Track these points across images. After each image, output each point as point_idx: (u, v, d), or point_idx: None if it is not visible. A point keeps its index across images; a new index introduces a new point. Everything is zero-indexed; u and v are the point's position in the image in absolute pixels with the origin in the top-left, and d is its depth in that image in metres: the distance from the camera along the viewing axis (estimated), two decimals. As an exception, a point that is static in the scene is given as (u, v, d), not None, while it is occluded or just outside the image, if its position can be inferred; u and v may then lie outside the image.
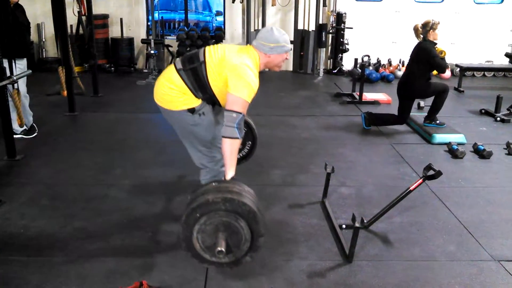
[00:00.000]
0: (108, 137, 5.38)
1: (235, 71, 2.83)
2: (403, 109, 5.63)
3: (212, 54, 2.95)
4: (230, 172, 2.81)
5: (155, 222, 3.47)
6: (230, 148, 2.77)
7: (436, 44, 5.41)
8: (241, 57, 2.89)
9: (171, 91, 2.97)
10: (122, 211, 3.63)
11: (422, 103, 6.78)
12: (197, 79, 2.92)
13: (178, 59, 3.10)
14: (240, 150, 3.74)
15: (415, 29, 5.48)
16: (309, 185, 4.18)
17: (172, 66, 3.05)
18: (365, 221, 3.18)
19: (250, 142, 3.86)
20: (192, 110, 2.96)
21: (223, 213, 2.46)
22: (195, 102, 2.96)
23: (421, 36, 5.43)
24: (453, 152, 4.95)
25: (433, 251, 3.21)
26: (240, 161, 3.67)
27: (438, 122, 5.61)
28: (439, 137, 5.31)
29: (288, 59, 3.12)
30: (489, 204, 3.91)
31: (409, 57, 5.62)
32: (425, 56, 5.34)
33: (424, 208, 3.81)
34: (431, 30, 5.34)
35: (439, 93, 5.53)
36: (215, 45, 3.08)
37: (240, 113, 2.77)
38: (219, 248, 2.43)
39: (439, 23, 5.38)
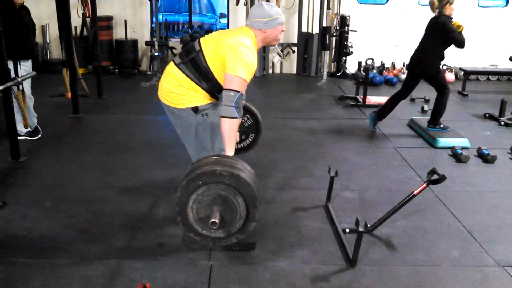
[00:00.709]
0: (111, 139, 5.39)
1: (232, 51, 2.83)
2: (408, 85, 5.67)
3: (207, 41, 2.98)
4: (229, 152, 2.82)
5: (158, 225, 3.47)
6: (229, 127, 2.78)
7: (452, 19, 5.34)
8: (237, 37, 2.89)
9: (175, 88, 2.98)
10: (125, 213, 3.63)
11: (426, 107, 6.77)
12: (197, 69, 2.93)
13: (176, 55, 3.10)
14: (242, 141, 3.75)
15: (431, 3, 5.41)
16: (313, 189, 4.17)
17: (171, 63, 3.06)
18: (368, 225, 3.18)
19: (253, 135, 3.82)
20: (195, 109, 2.97)
21: (224, 187, 2.45)
22: (199, 101, 2.96)
23: (437, 10, 5.38)
24: (457, 156, 4.93)
25: (437, 256, 3.19)
26: (239, 151, 3.65)
27: (442, 126, 5.59)
28: (443, 141, 5.29)
29: (284, 31, 3.09)
30: (493, 209, 3.89)
31: (424, 33, 5.56)
32: (443, 31, 5.28)
33: (428, 212, 3.79)
34: (448, 4, 5.28)
35: (441, 89, 5.48)
36: (209, 34, 3.09)
37: (238, 91, 2.76)
38: (213, 219, 2.42)
39: None
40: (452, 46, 5.35)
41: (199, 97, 2.96)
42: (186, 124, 3.06)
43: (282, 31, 3.04)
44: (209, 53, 2.90)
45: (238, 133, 3.34)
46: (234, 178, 2.45)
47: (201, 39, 3.03)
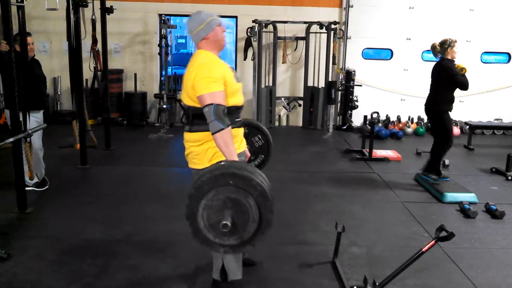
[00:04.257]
0: (118, 191, 5.40)
1: (193, 80, 2.81)
2: (439, 129, 5.64)
3: (182, 94, 2.99)
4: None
5: (163, 280, 3.43)
6: (222, 140, 2.72)
7: (454, 61, 5.44)
8: (191, 68, 2.88)
9: (199, 148, 2.93)
10: (130, 268, 3.59)
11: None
12: (202, 117, 2.87)
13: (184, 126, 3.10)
14: (250, 161, 3.68)
15: (433, 47, 5.53)
16: (320, 244, 4.13)
17: (184, 133, 3.05)
18: (377, 283, 3.12)
19: (263, 156, 3.77)
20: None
21: (245, 195, 2.40)
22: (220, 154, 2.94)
23: (439, 54, 5.48)
24: (465, 211, 4.89)
25: (447, 316, 3.12)
26: None
27: (434, 177, 5.65)
28: (450, 196, 5.27)
29: (225, 31, 3.03)
30: (504, 267, 3.82)
31: (430, 79, 5.65)
32: (447, 74, 5.36)
33: (437, 270, 3.73)
34: (449, 48, 5.39)
35: (444, 139, 5.52)
36: None
37: (211, 104, 2.72)
38: (224, 222, 2.36)
39: (456, 41, 5.44)
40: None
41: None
42: None
43: (224, 31, 3.00)
44: (191, 100, 2.91)
45: (248, 151, 3.30)
46: (262, 197, 2.42)
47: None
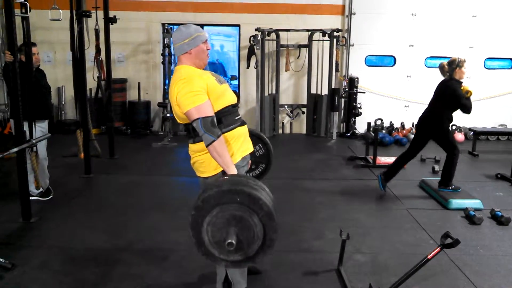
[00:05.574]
0: (122, 200, 5.41)
1: (176, 95, 2.83)
2: (417, 145, 5.63)
3: (174, 114, 3.00)
4: (231, 171, 2.75)
5: (167, 289, 3.42)
6: (216, 152, 2.74)
7: (461, 83, 5.36)
8: (173, 84, 2.88)
9: (203, 156, 2.96)
10: (134, 277, 3.59)
11: (436, 167, 6.75)
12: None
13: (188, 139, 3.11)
14: (251, 170, 3.68)
15: (441, 67, 5.46)
16: (324, 252, 4.11)
17: (189, 145, 3.06)
18: (382, 290, 3.10)
19: (263, 165, 3.76)
20: (223, 172, 2.95)
21: (250, 213, 2.38)
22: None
23: (447, 74, 5.42)
24: (470, 218, 4.86)
25: (454, 324, 3.09)
26: None
27: (453, 187, 5.54)
28: (456, 203, 5.24)
29: (210, 49, 3.03)
30: (510, 273, 3.79)
31: (433, 94, 5.58)
32: (450, 95, 5.30)
33: (443, 277, 3.70)
34: (458, 68, 5.31)
35: (451, 150, 5.46)
36: None
37: (198, 118, 2.74)
38: (229, 241, 2.35)
39: (465, 60, 5.37)
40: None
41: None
42: None
43: (208, 49, 3.00)
44: (182, 119, 2.93)
45: (250, 161, 3.24)
46: (267, 217, 2.41)
47: None
